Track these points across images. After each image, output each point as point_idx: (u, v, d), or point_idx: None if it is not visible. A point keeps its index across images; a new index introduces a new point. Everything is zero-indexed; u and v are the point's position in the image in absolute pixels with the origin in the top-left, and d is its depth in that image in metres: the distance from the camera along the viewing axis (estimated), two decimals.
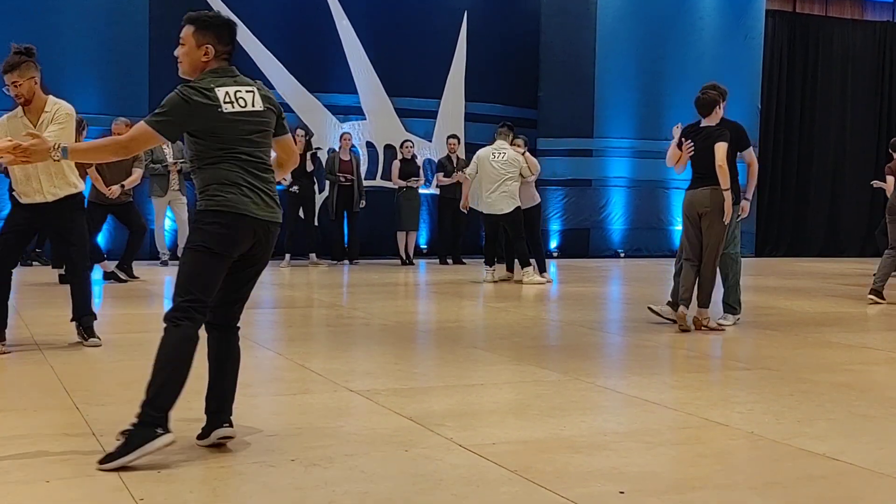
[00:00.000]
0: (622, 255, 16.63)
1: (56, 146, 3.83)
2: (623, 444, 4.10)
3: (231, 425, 3.90)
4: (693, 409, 4.81)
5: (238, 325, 4.04)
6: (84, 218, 6.48)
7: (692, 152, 7.64)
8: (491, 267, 11.76)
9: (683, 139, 7.84)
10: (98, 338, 6.36)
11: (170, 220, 13.15)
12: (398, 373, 5.70)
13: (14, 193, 6.31)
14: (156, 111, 3.79)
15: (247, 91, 3.88)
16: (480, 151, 11.62)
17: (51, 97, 6.15)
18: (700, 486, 3.55)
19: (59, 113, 6.07)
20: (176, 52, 3.95)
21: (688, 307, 7.63)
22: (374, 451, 3.93)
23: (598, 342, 7.34)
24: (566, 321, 8.36)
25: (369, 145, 15.33)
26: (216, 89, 3.79)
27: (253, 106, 3.86)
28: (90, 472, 3.55)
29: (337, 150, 14.37)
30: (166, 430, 3.61)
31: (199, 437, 3.92)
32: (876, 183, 12.99)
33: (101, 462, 3.57)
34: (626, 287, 12.15)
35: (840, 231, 19.16)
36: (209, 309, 3.83)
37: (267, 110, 3.92)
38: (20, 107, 6.10)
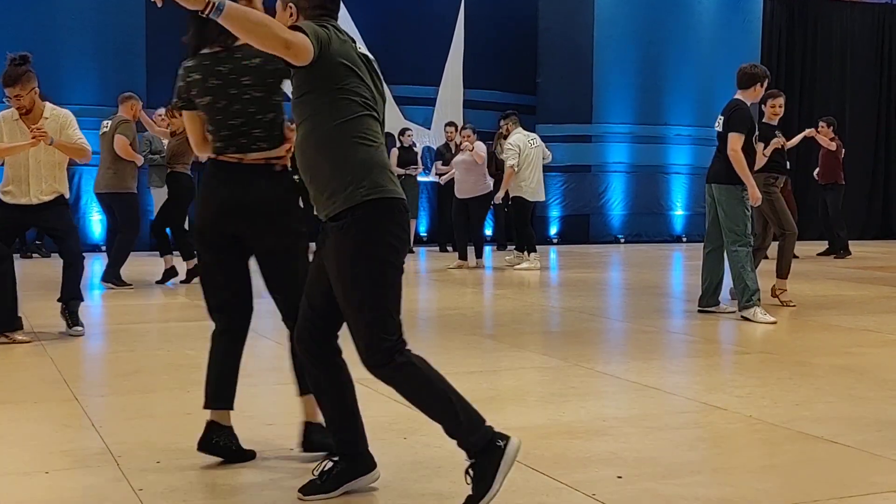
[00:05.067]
0: (622, 240, 16.62)
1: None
2: (621, 430, 4.10)
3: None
4: (692, 394, 4.82)
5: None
6: (69, 211, 6.56)
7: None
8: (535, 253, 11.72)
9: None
10: (81, 326, 6.39)
11: None
12: None
13: (0, 194, 6.33)
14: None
15: None
16: (518, 140, 11.53)
17: (48, 104, 6.30)
18: (698, 471, 3.56)
19: (68, 119, 6.30)
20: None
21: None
22: (373, 438, 3.91)
23: (598, 328, 7.34)
24: (566, 307, 8.37)
25: None
26: None
27: None
28: (89, 463, 3.56)
29: None
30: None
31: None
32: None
33: None
34: (627, 273, 12.15)
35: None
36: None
37: None
38: (15, 109, 6.17)
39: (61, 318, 6.44)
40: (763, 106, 8.32)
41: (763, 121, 8.25)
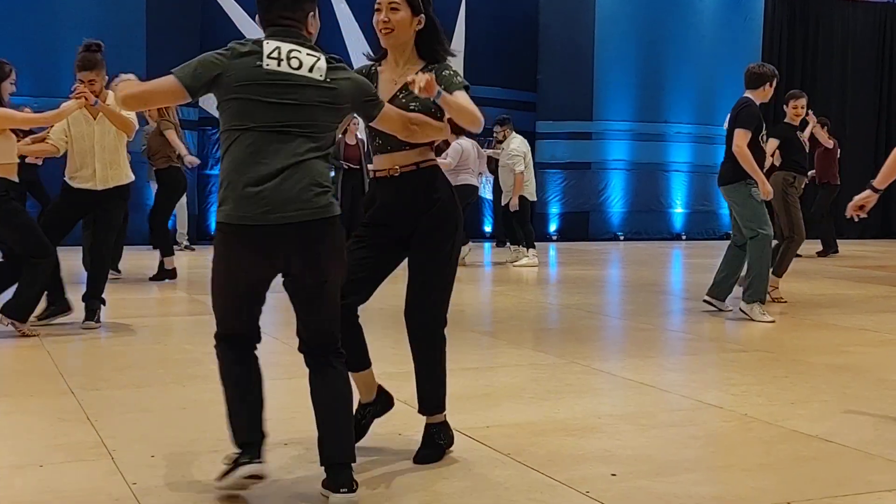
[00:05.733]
0: (622, 238, 16.61)
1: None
2: (616, 427, 4.10)
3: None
4: (687, 392, 4.82)
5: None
6: (125, 208, 6.69)
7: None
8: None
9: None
10: (96, 322, 6.39)
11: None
12: (395, 356, 5.69)
13: (66, 178, 6.44)
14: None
15: None
16: (519, 145, 11.71)
17: (110, 92, 6.28)
18: (692, 469, 3.56)
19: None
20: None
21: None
22: (369, 434, 3.93)
23: (595, 325, 7.34)
24: (564, 304, 8.36)
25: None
26: None
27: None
28: (84, 457, 3.56)
29: (342, 135, 14.24)
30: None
31: None
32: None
33: None
34: (626, 270, 12.15)
35: (839, 212, 19.13)
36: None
37: None
38: (75, 100, 6.23)
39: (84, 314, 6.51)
40: (785, 107, 8.41)
41: (785, 121, 8.31)
